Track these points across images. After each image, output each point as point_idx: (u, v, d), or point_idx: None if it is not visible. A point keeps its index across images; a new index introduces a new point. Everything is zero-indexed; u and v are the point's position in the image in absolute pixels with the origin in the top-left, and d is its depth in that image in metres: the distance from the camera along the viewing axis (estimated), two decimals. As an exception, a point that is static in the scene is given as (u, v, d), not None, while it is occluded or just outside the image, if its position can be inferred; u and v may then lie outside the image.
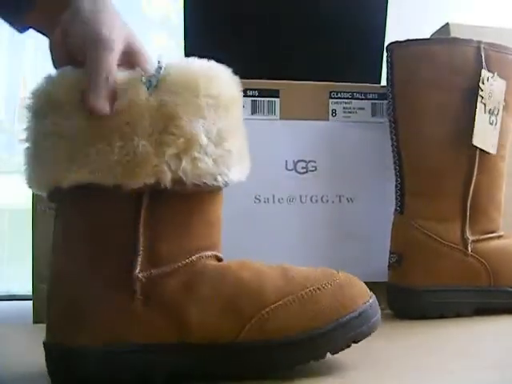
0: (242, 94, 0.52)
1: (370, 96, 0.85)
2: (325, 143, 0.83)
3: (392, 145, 0.78)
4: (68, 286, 0.48)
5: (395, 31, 0.97)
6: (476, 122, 0.73)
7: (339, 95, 0.84)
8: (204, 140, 0.47)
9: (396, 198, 0.77)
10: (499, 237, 0.77)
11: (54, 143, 0.47)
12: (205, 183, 0.48)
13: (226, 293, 0.48)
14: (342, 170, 0.83)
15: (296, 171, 0.82)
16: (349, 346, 0.50)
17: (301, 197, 0.82)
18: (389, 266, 0.76)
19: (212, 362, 0.48)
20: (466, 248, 0.74)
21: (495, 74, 0.75)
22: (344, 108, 0.84)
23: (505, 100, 0.76)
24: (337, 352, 0.49)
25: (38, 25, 0.56)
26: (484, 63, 0.74)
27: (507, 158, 0.78)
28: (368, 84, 0.86)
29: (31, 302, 0.77)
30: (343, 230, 0.83)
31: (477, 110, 0.73)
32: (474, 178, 0.74)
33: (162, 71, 0.47)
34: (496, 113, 0.75)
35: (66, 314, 0.48)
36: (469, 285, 0.74)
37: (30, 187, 0.51)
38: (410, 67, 0.76)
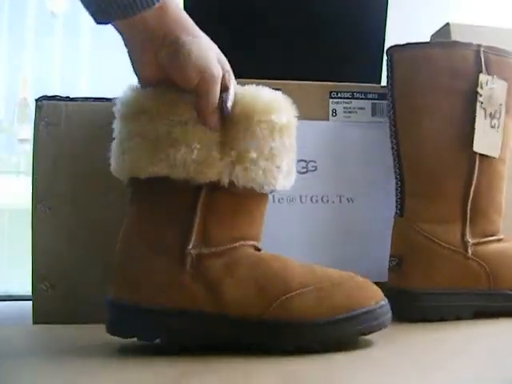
0: (296, 120, 0.62)
1: (370, 96, 0.85)
2: (325, 143, 0.83)
3: (392, 148, 0.78)
4: (134, 255, 0.59)
5: (395, 31, 0.97)
6: (476, 129, 0.73)
7: (339, 95, 0.84)
8: (254, 155, 0.58)
9: (396, 201, 0.77)
10: (499, 240, 0.76)
11: (138, 143, 0.58)
12: (252, 188, 0.59)
13: (258, 276, 0.58)
14: (342, 170, 0.83)
15: (296, 171, 0.82)
16: (355, 338, 0.58)
17: (301, 197, 0.82)
18: (389, 269, 0.76)
19: (241, 333, 0.57)
20: (466, 251, 0.74)
21: (494, 76, 0.75)
22: (344, 108, 0.84)
23: (505, 103, 0.76)
24: (344, 341, 0.57)
25: (125, 28, 0.57)
26: (483, 66, 0.74)
27: (508, 161, 0.78)
28: (368, 84, 0.86)
29: (31, 302, 0.77)
30: (343, 230, 0.83)
31: (477, 116, 0.73)
32: (475, 181, 0.74)
33: (230, 103, 0.59)
34: (498, 116, 0.75)
35: (127, 276, 0.59)
36: (469, 288, 0.74)
37: (114, 174, 0.62)
38: (409, 71, 0.76)
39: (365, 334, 0.58)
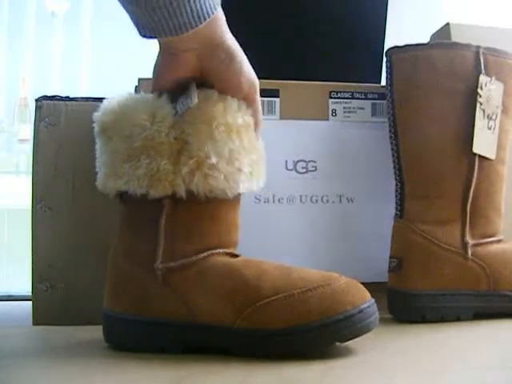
0: (252, 119, 0.61)
1: (370, 96, 0.85)
2: (325, 143, 0.83)
3: (392, 149, 0.78)
4: (115, 265, 0.61)
5: (395, 31, 0.97)
6: (476, 130, 0.73)
7: (339, 95, 0.84)
8: (213, 160, 0.57)
9: (396, 202, 0.77)
10: (499, 241, 0.76)
11: (104, 160, 0.60)
12: (215, 195, 0.58)
13: (228, 286, 0.57)
14: (342, 170, 0.83)
15: (296, 171, 0.82)
16: (330, 345, 0.56)
17: (301, 197, 0.82)
18: (389, 270, 0.76)
19: (216, 341, 0.57)
20: (466, 252, 0.74)
21: (493, 78, 0.75)
22: (344, 108, 0.84)
23: (503, 104, 0.76)
24: (320, 349, 0.56)
25: (172, 40, 0.55)
26: (483, 68, 0.74)
27: (507, 162, 0.78)
28: (368, 84, 0.86)
29: (31, 302, 0.77)
30: (343, 230, 0.83)
31: (476, 116, 0.73)
32: (474, 182, 0.74)
33: (190, 103, 0.57)
34: (494, 118, 0.75)
35: (112, 288, 0.61)
36: (468, 289, 0.74)
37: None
38: (409, 72, 0.76)
39: (341, 342, 0.56)
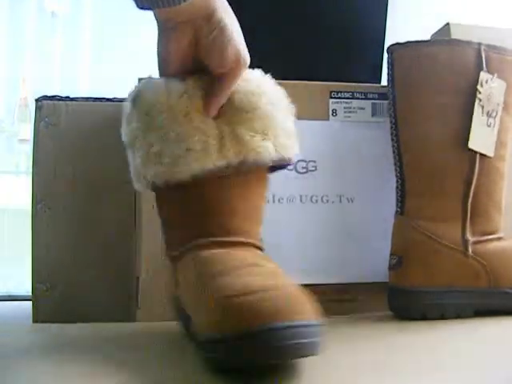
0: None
1: (370, 96, 0.84)
2: (325, 143, 0.83)
3: (392, 146, 0.78)
4: None
5: (395, 31, 0.97)
6: (473, 125, 0.73)
7: (339, 95, 0.84)
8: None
9: (396, 199, 0.77)
10: (499, 238, 0.76)
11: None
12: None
13: (195, 281, 0.54)
14: (342, 170, 0.83)
15: (296, 171, 0.82)
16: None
17: (301, 197, 0.82)
18: (389, 268, 0.76)
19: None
20: (466, 249, 0.74)
21: (494, 75, 0.75)
22: (344, 108, 0.84)
23: (505, 101, 0.76)
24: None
25: (169, 13, 0.55)
26: (484, 65, 0.74)
27: (509, 159, 0.78)
28: (368, 84, 0.86)
29: (31, 302, 0.77)
30: (343, 229, 0.83)
31: (474, 113, 0.73)
32: (475, 179, 0.74)
33: None
34: (494, 115, 0.75)
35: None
36: (469, 286, 0.74)
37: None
38: (410, 69, 0.76)
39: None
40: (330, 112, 0.83)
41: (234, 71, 0.57)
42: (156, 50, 0.59)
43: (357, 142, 0.84)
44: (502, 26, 0.92)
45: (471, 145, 0.73)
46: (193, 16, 0.56)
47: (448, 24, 0.89)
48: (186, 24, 0.56)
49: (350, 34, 0.92)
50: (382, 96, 0.83)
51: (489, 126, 0.75)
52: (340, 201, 0.83)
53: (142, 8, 0.54)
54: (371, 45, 0.93)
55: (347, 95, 0.84)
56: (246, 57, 0.58)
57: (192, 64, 0.58)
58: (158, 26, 0.58)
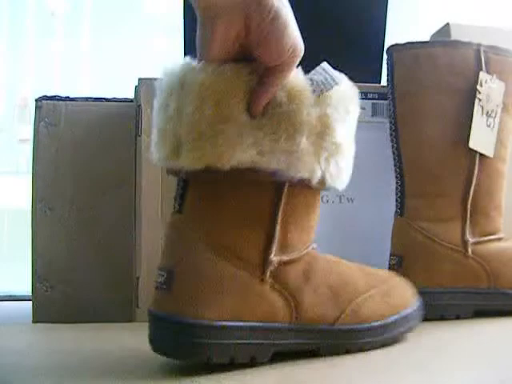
0: None
1: (370, 96, 0.84)
2: (325, 143, 0.83)
3: (392, 146, 0.78)
4: (197, 261, 0.51)
5: (396, 31, 0.97)
6: (473, 125, 0.73)
7: (339, 95, 0.84)
8: (348, 149, 0.55)
9: (396, 200, 0.77)
10: (499, 239, 0.76)
11: (222, 129, 0.49)
12: (333, 184, 0.54)
13: (332, 282, 0.57)
14: (342, 170, 0.83)
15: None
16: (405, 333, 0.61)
17: (301, 197, 0.82)
18: (389, 268, 0.76)
19: (315, 343, 0.56)
20: (466, 250, 0.74)
21: (494, 76, 0.75)
22: (344, 108, 0.84)
23: (505, 102, 0.76)
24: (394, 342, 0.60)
25: None
26: (484, 66, 0.74)
27: (508, 160, 0.78)
28: (368, 84, 0.86)
29: (30, 302, 0.77)
30: (343, 229, 0.83)
31: (474, 113, 0.73)
32: (475, 180, 0.74)
33: (334, 85, 0.54)
34: (494, 115, 0.75)
35: (198, 289, 0.51)
36: (469, 287, 0.74)
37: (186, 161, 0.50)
38: (410, 69, 0.76)
39: (411, 331, 0.62)
40: (330, 112, 0.83)
41: (288, 63, 0.50)
42: (196, 39, 0.52)
43: (357, 142, 0.83)
44: (502, 26, 0.92)
45: (471, 145, 0.73)
46: (239, 0, 0.48)
47: (448, 24, 0.89)
48: (232, 10, 0.49)
49: (350, 35, 0.92)
50: (382, 96, 0.83)
51: (488, 126, 0.75)
52: (340, 201, 0.83)
53: None
54: (371, 45, 0.93)
55: (347, 95, 0.84)
56: (302, 46, 0.51)
57: (235, 54, 0.51)
58: (199, 15, 0.50)
